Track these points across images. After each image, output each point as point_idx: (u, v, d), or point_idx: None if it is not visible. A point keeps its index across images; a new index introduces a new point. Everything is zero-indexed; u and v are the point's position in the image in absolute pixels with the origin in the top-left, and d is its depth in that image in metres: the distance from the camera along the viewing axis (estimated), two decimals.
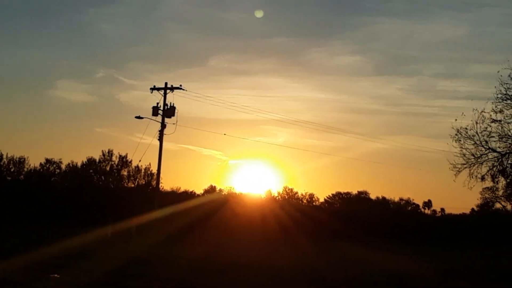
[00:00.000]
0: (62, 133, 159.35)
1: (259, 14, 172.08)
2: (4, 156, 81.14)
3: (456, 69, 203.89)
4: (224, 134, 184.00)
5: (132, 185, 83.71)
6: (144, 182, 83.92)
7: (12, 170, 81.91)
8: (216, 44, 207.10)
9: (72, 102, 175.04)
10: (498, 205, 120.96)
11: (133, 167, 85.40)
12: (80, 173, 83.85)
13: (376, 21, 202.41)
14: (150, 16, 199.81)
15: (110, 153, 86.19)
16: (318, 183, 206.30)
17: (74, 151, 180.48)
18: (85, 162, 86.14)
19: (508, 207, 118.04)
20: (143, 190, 79.40)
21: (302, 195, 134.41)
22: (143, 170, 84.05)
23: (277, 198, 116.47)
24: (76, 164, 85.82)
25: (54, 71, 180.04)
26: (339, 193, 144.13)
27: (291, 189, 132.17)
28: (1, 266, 27.51)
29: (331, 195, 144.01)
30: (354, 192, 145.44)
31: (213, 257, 37.11)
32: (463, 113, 36.41)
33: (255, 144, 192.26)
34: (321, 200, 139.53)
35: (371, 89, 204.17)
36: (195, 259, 35.14)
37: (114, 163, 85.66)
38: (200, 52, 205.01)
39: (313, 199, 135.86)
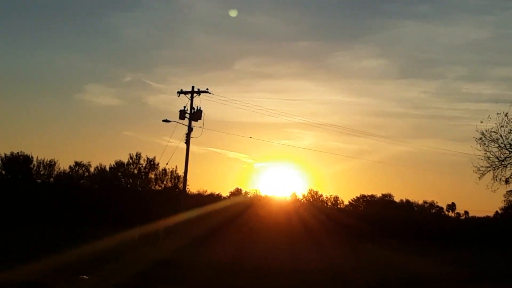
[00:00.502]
0: (91, 136, 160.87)
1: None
2: (34, 159, 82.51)
3: (479, 72, 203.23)
4: (250, 137, 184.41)
5: (159, 188, 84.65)
6: (171, 185, 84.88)
7: (42, 173, 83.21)
8: (242, 48, 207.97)
9: (101, 106, 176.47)
10: None
11: (160, 170, 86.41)
12: (108, 176, 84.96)
13: (399, 25, 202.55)
14: (176, 20, 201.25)
15: (138, 156, 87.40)
16: (343, 186, 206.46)
17: (102, 155, 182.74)
18: (113, 165, 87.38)
19: None
20: (170, 193, 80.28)
21: (327, 197, 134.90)
22: (169, 173, 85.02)
23: (302, 200, 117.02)
24: (105, 167, 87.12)
25: (83, 75, 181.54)
26: (363, 196, 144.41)
27: (316, 192, 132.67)
28: (31, 268, 28.13)
29: (355, 198, 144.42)
30: (379, 195, 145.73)
31: (239, 260, 37.49)
32: (489, 116, 36.75)
33: (281, 147, 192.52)
34: (346, 202, 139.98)
35: (395, 92, 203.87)
36: (221, 261, 35.46)
37: (142, 166, 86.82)
38: (226, 55, 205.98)
39: (338, 201, 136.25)
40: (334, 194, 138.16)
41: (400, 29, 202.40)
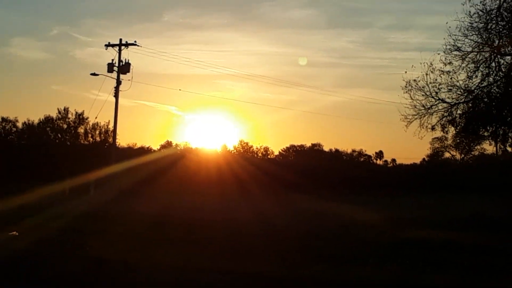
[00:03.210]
0: (18, 91, 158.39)
1: None
2: None
3: (406, 20, 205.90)
4: (180, 90, 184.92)
5: (89, 142, 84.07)
6: (100, 139, 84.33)
7: None
8: None
9: (27, 59, 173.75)
10: (447, 154, 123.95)
11: (90, 124, 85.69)
12: (36, 131, 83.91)
13: None
14: None
15: (67, 110, 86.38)
16: (273, 137, 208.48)
17: (30, 110, 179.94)
18: (42, 120, 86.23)
19: (457, 156, 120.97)
20: (100, 147, 79.87)
21: (257, 148, 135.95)
22: (99, 127, 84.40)
23: (232, 152, 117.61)
24: (33, 122, 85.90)
25: (8, 29, 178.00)
26: (293, 146, 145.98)
27: (247, 143, 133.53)
28: None
29: (285, 148, 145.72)
30: (308, 144, 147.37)
31: (169, 211, 37.71)
32: (413, 65, 37.32)
33: (211, 99, 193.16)
34: (276, 153, 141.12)
35: (323, 42, 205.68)
36: (151, 213, 35.58)
37: (71, 121, 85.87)
38: (154, 7, 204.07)
39: (268, 152, 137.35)
40: (265, 145, 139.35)
41: None
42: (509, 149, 41.68)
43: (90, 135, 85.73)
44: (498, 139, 40.38)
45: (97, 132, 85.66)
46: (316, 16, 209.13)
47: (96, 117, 78.59)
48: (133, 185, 59.51)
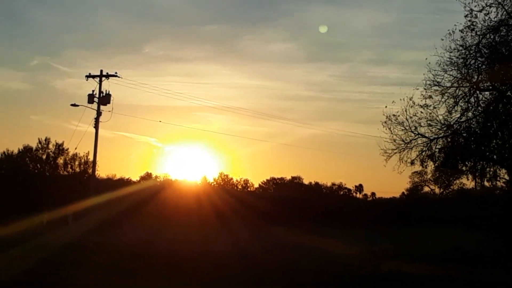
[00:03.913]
0: None
1: None
2: None
3: (386, 55, 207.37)
4: (160, 121, 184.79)
5: (68, 173, 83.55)
6: (80, 170, 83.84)
7: None
8: (151, 31, 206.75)
9: (7, 89, 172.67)
10: (426, 189, 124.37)
11: (69, 155, 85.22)
12: (15, 161, 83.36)
13: (308, 9, 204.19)
14: (84, 1, 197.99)
15: (47, 141, 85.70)
16: (253, 169, 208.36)
17: (9, 140, 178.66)
18: (21, 150, 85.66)
19: (436, 190, 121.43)
20: (80, 178, 79.35)
21: (237, 181, 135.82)
22: (78, 158, 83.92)
23: (212, 184, 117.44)
24: (12, 152, 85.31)
25: None
26: (273, 179, 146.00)
27: (226, 175, 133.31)
28: None
29: (265, 181, 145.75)
30: (288, 177, 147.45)
31: (149, 243, 37.58)
32: (393, 101, 37.54)
33: (190, 131, 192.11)
34: (256, 185, 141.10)
35: (303, 76, 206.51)
36: (130, 245, 35.48)
37: (51, 151, 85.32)
38: (135, 39, 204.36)
39: (248, 184, 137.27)
40: (244, 177, 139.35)
41: (308, 13, 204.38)
42: (487, 184, 41.84)
43: (69, 166, 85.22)
44: (477, 174, 40.56)
45: (77, 163, 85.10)
46: (296, 50, 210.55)
47: (76, 148, 78.59)
48: (113, 217, 59.27)
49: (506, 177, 38.70)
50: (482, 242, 36.96)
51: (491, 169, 38.18)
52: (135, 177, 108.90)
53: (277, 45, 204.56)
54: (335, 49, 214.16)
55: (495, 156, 37.13)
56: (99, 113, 60.18)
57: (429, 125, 36.75)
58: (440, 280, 23.04)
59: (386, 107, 37.31)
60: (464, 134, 36.69)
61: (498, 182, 40.17)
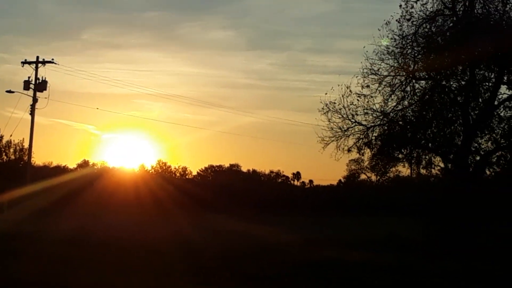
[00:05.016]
0: None
1: None
2: None
3: (325, 44, 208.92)
4: (97, 108, 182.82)
5: (2, 161, 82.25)
6: (15, 157, 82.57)
7: None
8: (89, 17, 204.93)
9: None
10: (363, 176, 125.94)
11: (4, 142, 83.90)
12: None
13: None
14: None
15: None
16: (192, 157, 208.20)
17: None
18: None
19: (373, 177, 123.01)
20: (15, 166, 78.19)
21: (175, 168, 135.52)
22: (14, 145, 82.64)
23: (150, 172, 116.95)
24: None
25: None
26: (211, 166, 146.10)
27: (165, 163, 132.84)
28: None
29: (203, 168, 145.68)
30: (226, 165, 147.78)
31: (85, 232, 37.15)
32: (332, 88, 37.87)
33: (129, 119, 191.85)
34: (194, 173, 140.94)
35: (242, 64, 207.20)
36: (66, 234, 35.03)
37: None
38: (73, 25, 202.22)
39: (186, 172, 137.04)
40: (183, 165, 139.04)
41: (249, 1, 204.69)
42: (423, 171, 42.42)
43: (3, 153, 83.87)
44: (413, 162, 41.15)
45: (12, 150, 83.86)
46: (236, 38, 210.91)
47: (11, 135, 77.20)
48: (49, 205, 58.60)
49: (441, 164, 39.40)
50: (417, 229, 37.52)
51: (427, 157, 38.82)
52: (72, 165, 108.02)
53: (217, 33, 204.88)
54: (275, 37, 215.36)
55: (430, 144, 37.74)
56: (35, 100, 59.57)
57: (366, 113, 37.17)
58: (375, 266, 23.36)
59: (326, 94, 37.58)
60: (400, 122, 37.21)
61: (433, 170, 40.78)
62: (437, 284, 20.05)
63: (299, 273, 21.33)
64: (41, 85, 59.70)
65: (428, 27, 36.07)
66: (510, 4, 35.07)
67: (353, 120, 37.31)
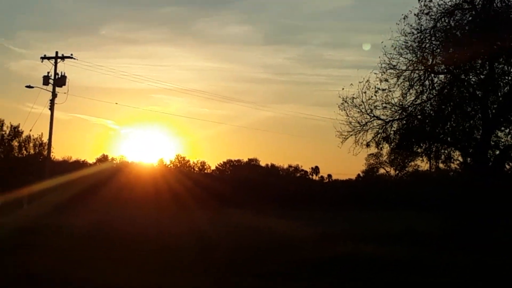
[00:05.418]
0: None
1: None
2: None
3: (342, 38, 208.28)
4: (116, 103, 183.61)
5: (23, 156, 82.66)
6: (34, 152, 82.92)
7: None
8: (107, 13, 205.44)
9: None
10: (382, 171, 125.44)
11: (24, 137, 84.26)
12: None
13: None
14: None
15: (1, 123, 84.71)
16: (210, 152, 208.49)
17: None
18: None
19: (391, 172, 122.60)
20: (34, 160, 78.54)
21: (194, 163, 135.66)
22: (33, 140, 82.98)
23: (169, 166, 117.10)
24: None
25: None
26: (230, 161, 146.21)
27: (183, 158, 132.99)
28: None
29: (222, 163, 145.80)
30: (245, 159, 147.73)
31: (104, 226, 37.30)
32: (351, 83, 37.58)
33: (147, 113, 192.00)
34: (213, 167, 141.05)
35: (259, 59, 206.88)
36: (85, 228, 35.15)
37: (5, 133, 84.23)
38: (91, 20, 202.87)
39: (205, 167, 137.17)
40: (201, 160, 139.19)
41: None
42: (442, 166, 42.25)
43: (23, 148, 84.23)
44: (431, 156, 40.98)
45: (31, 144, 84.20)
46: (253, 33, 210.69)
47: (30, 130, 77.44)
48: (68, 199, 58.75)
49: (460, 159, 39.25)
50: (435, 223, 37.35)
51: (445, 151, 38.67)
52: (91, 160, 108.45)
53: (234, 28, 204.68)
54: (292, 32, 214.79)
55: (449, 139, 37.57)
56: (54, 95, 59.80)
57: (385, 107, 37.02)
58: (392, 261, 23.24)
59: (343, 89, 37.46)
60: (419, 117, 37.05)
61: (452, 164, 40.64)
62: (439, 278, 19.96)
63: (314, 268, 21.30)
64: (60, 80, 59.94)
65: (446, 21, 35.88)
66: None
67: (372, 115, 37.19)
